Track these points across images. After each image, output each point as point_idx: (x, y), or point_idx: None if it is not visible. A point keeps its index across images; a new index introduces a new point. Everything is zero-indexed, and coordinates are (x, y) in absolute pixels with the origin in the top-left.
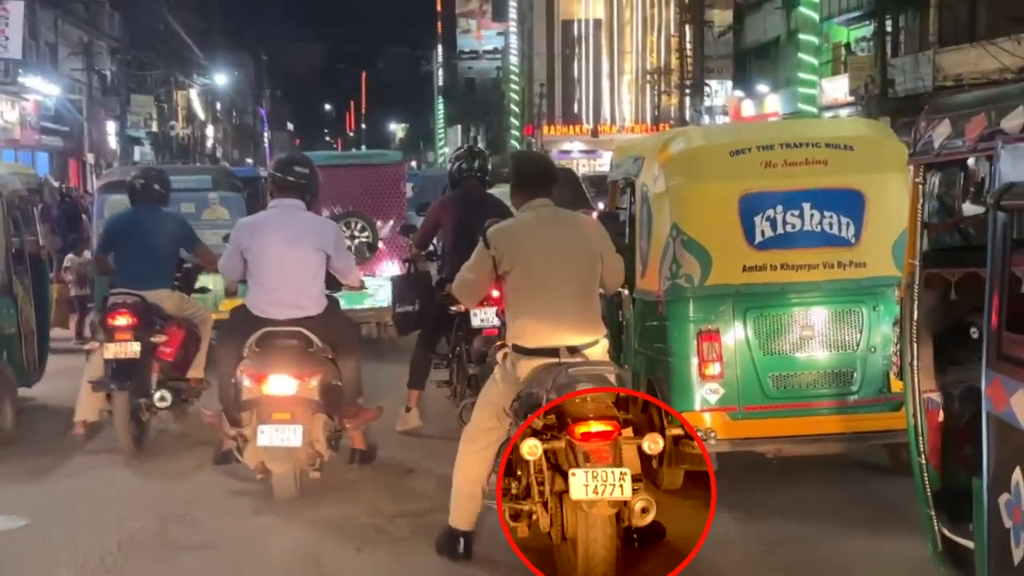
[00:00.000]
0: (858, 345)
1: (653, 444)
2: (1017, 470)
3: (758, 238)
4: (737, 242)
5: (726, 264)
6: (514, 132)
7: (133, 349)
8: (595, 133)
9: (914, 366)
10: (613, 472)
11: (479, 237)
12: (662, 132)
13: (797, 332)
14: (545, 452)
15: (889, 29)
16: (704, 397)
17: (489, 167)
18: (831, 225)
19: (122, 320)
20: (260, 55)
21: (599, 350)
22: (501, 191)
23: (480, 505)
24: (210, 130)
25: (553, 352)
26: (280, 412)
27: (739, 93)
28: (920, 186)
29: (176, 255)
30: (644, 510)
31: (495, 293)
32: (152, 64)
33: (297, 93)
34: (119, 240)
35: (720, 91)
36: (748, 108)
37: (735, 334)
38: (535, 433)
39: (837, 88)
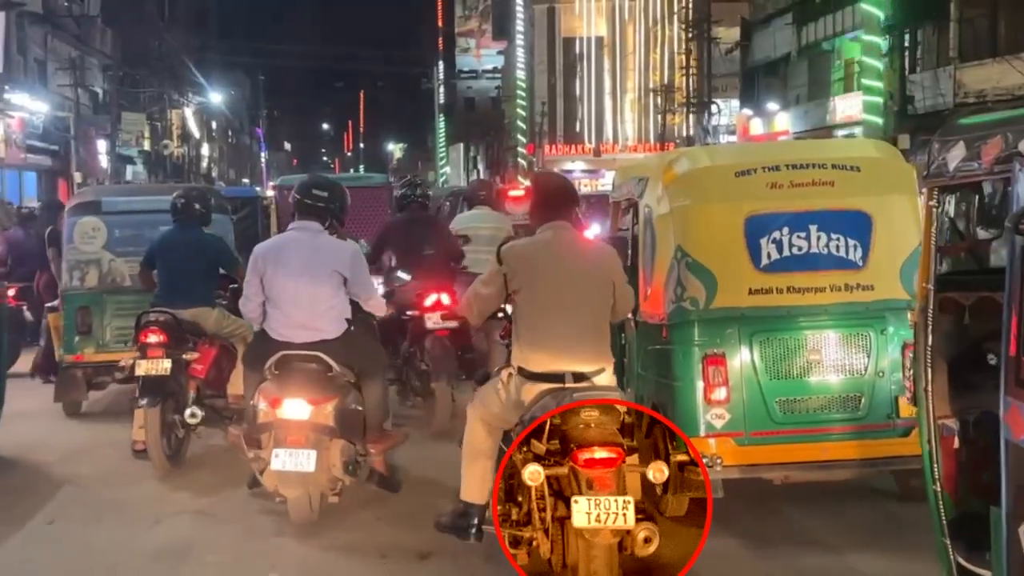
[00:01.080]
0: (866, 369)
1: (658, 473)
2: None
3: (764, 260)
4: (743, 265)
5: (732, 287)
6: (520, 150)
7: (164, 366)
8: (597, 152)
9: (928, 392)
10: (616, 500)
11: (425, 253)
12: (666, 152)
13: (804, 356)
14: (547, 478)
15: (907, 44)
16: (709, 422)
17: (429, 194)
18: (838, 247)
19: (153, 337)
20: (257, 75)
21: (606, 378)
22: (479, 213)
23: (492, 480)
24: (205, 149)
25: (558, 378)
26: (294, 436)
27: (748, 111)
28: (934, 209)
29: (216, 274)
30: (647, 540)
31: (446, 300)
32: (145, 82)
33: (294, 113)
34: (159, 257)
35: (727, 110)
36: (757, 126)
37: (741, 358)
38: (537, 458)
39: (851, 105)
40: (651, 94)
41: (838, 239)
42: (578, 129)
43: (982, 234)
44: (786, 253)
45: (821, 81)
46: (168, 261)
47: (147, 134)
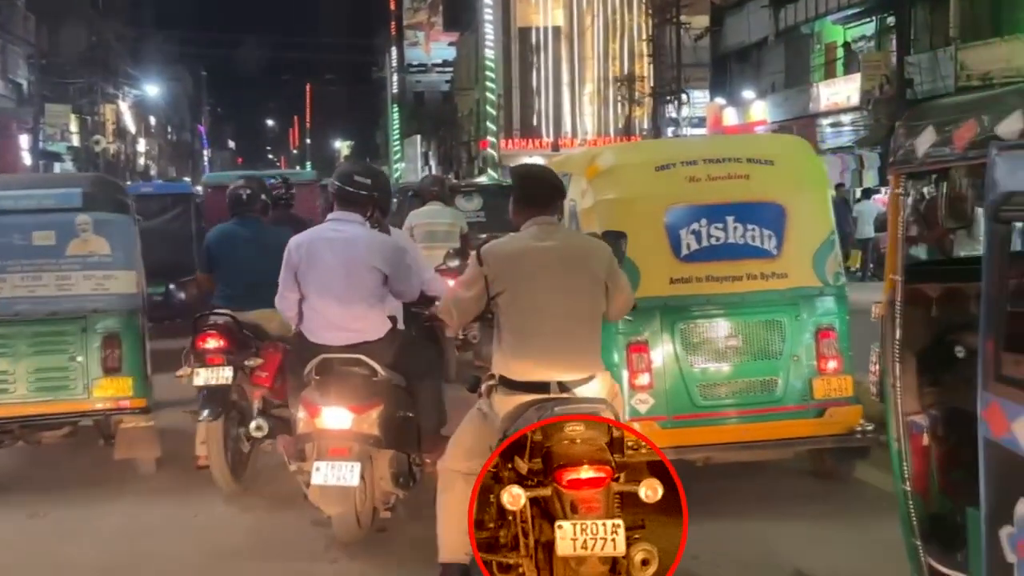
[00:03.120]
0: (781, 354)
1: (650, 491)
2: (1021, 501)
3: (684, 251)
4: (664, 255)
5: (653, 277)
6: (491, 139)
7: (225, 375)
8: (556, 147)
9: (896, 387)
10: (604, 524)
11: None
12: (589, 148)
13: (722, 342)
14: (531, 500)
15: (893, 24)
16: (634, 407)
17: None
18: (754, 238)
19: (213, 343)
20: (199, 69)
21: (595, 388)
22: (432, 209)
23: (471, 538)
24: (142, 146)
25: (543, 387)
26: (336, 448)
27: (720, 101)
28: (901, 197)
29: (279, 271)
30: (645, 562)
31: None
32: (75, 73)
33: (238, 109)
34: (220, 256)
35: (701, 100)
36: (731, 116)
37: (663, 345)
38: (519, 479)
39: (836, 92)
40: (611, 85)
41: (753, 230)
42: (535, 123)
43: (948, 224)
44: (704, 244)
45: (799, 67)
46: (230, 259)
47: (76, 128)
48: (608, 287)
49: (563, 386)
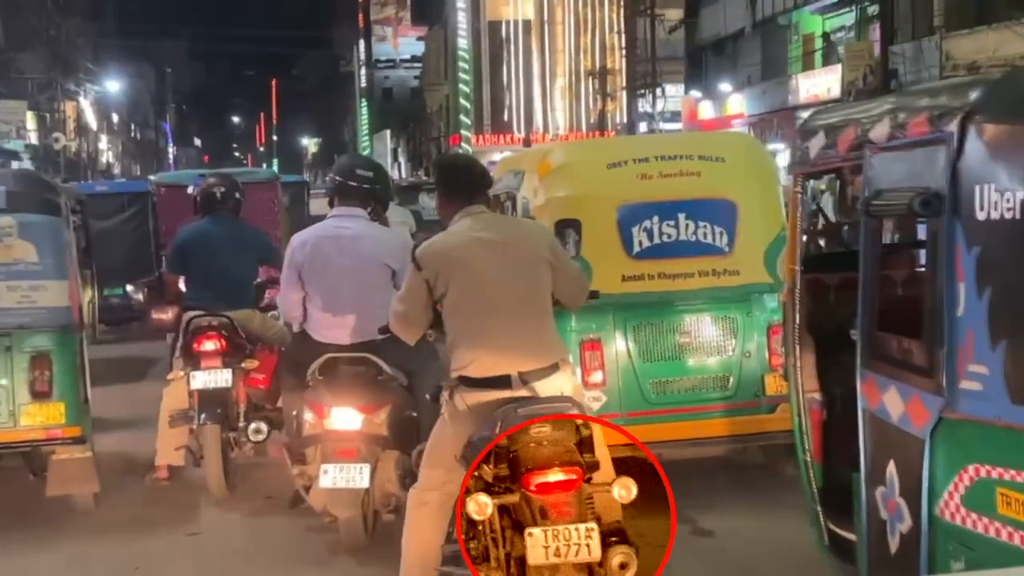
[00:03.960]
0: (734, 351)
1: (624, 490)
2: (891, 464)
3: (636, 248)
4: (616, 252)
5: (605, 274)
6: (465, 133)
7: (224, 377)
8: (527, 143)
9: (797, 368)
10: (577, 529)
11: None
12: (541, 146)
13: (675, 339)
14: (500, 508)
15: (874, 13)
16: (588, 405)
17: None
18: (705, 235)
19: (210, 345)
20: (163, 66)
21: (561, 379)
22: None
23: (436, 575)
24: (104, 143)
25: (504, 380)
26: (344, 449)
27: (696, 94)
28: (799, 195)
29: (255, 271)
30: (623, 566)
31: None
32: (33, 68)
33: (204, 106)
34: (194, 257)
35: (674, 95)
36: (707, 110)
37: (616, 343)
38: (485, 487)
39: (816, 84)
40: (584, 79)
41: (705, 227)
42: (506, 118)
43: (846, 218)
44: (656, 241)
45: (776, 59)
46: (205, 259)
47: (34, 126)
48: (553, 266)
49: (524, 377)
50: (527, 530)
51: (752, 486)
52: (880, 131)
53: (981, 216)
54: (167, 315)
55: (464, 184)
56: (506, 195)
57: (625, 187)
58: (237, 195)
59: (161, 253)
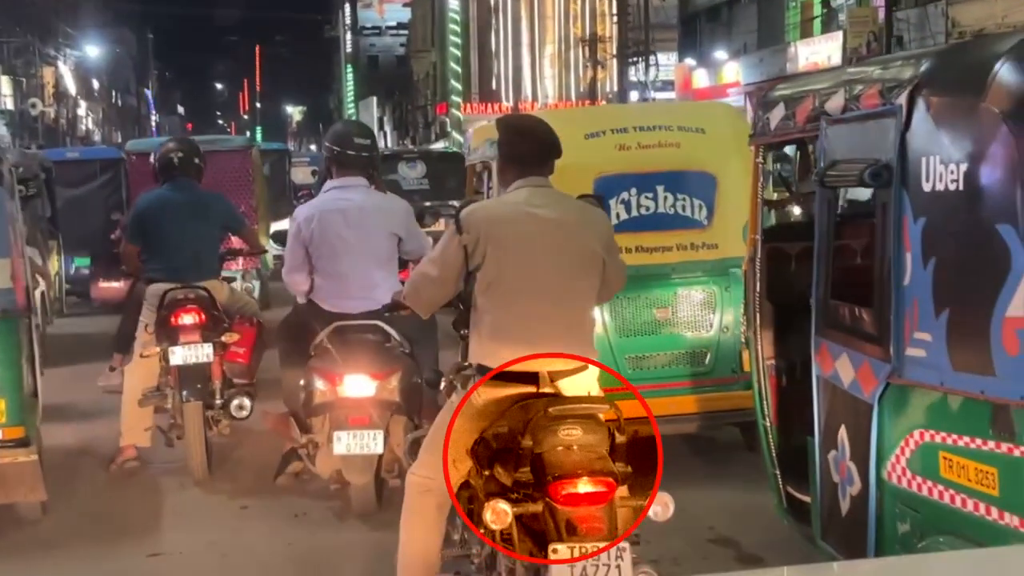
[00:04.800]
0: (711, 326)
1: (661, 507)
2: (842, 428)
3: (613, 220)
4: None
5: None
6: (456, 99)
7: (205, 352)
8: (516, 111)
9: (757, 336)
10: (609, 553)
11: None
12: (515, 115)
13: (652, 314)
14: (518, 517)
15: None
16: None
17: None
18: (684, 208)
19: (188, 319)
20: (145, 31)
21: (589, 379)
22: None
23: (436, 571)
24: (83, 110)
25: (531, 377)
26: (357, 416)
27: (690, 62)
28: (760, 165)
29: (219, 240)
30: None
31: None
32: (7, 32)
33: (187, 73)
34: (152, 225)
35: (667, 64)
36: (701, 78)
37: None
38: (503, 490)
39: (816, 51)
40: (574, 47)
41: (684, 199)
42: (494, 86)
43: (802, 188)
44: (634, 213)
45: (773, 26)
46: (166, 228)
47: (10, 91)
48: (605, 262)
49: (553, 376)
50: (551, 545)
51: (727, 460)
52: (835, 103)
53: (927, 187)
54: (117, 284)
55: (528, 150)
56: (482, 165)
57: (603, 158)
58: (196, 160)
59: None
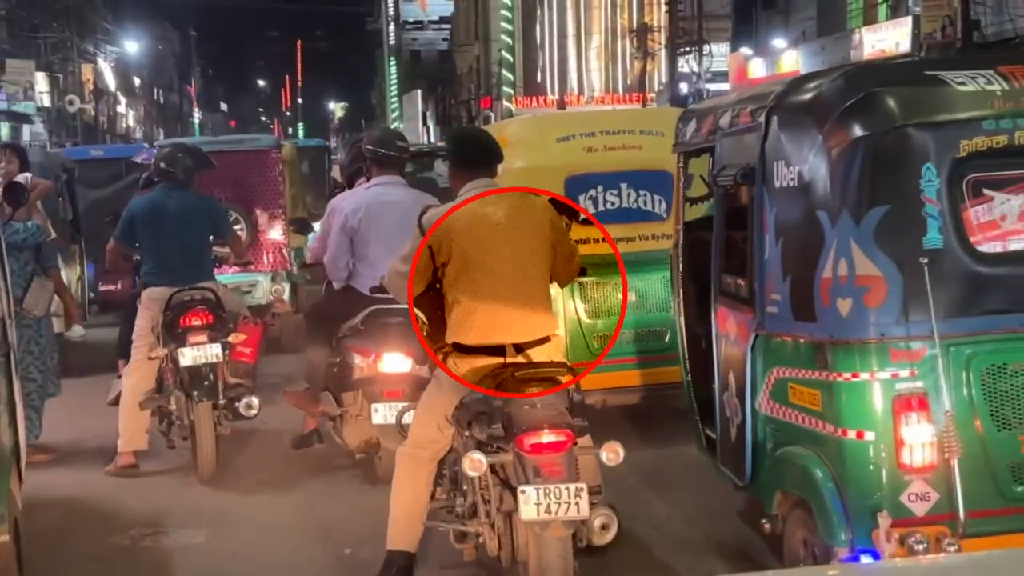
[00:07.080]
0: (669, 307)
1: (612, 454)
2: (730, 373)
3: (583, 215)
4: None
5: None
6: (507, 90)
7: (215, 352)
8: (561, 105)
9: (680, 307)
10: (568, 488)
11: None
12: (500, 122)
13: (617, 297)
14: (491, 466)
15: None
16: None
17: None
18: (645, 202)
19: (197, 320)
20: (187, 29)
21: (551, 350)
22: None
23: (422, 527)
24: (123, 107)
25: (498, 349)
26: (392, 390)
27: (746, 51)
28: (681, 169)
29: (209, 243)
30: (604, 527)
31: None
32: (45, 27)
33: (230, 70)
34: (145, 228)
35: (719, 56)
36: (758, 68)
37: (563, 301)
38: (479, 445)
39: (883, 38)
40: (622, 37)
41: (645, 195)
42: (539, 79)
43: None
44: (601, 208)
45: (834, 14)
46: (160, 232)
47: (46, 88)
48: (553, 243)
49: (519, 347)
50: (520, 487)
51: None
52: (726, 119)
53: (777, 184)
54: (115, 287)
55: (474, 156)
56: None
57: (572, 159)
58: (188, 163)
59: None
